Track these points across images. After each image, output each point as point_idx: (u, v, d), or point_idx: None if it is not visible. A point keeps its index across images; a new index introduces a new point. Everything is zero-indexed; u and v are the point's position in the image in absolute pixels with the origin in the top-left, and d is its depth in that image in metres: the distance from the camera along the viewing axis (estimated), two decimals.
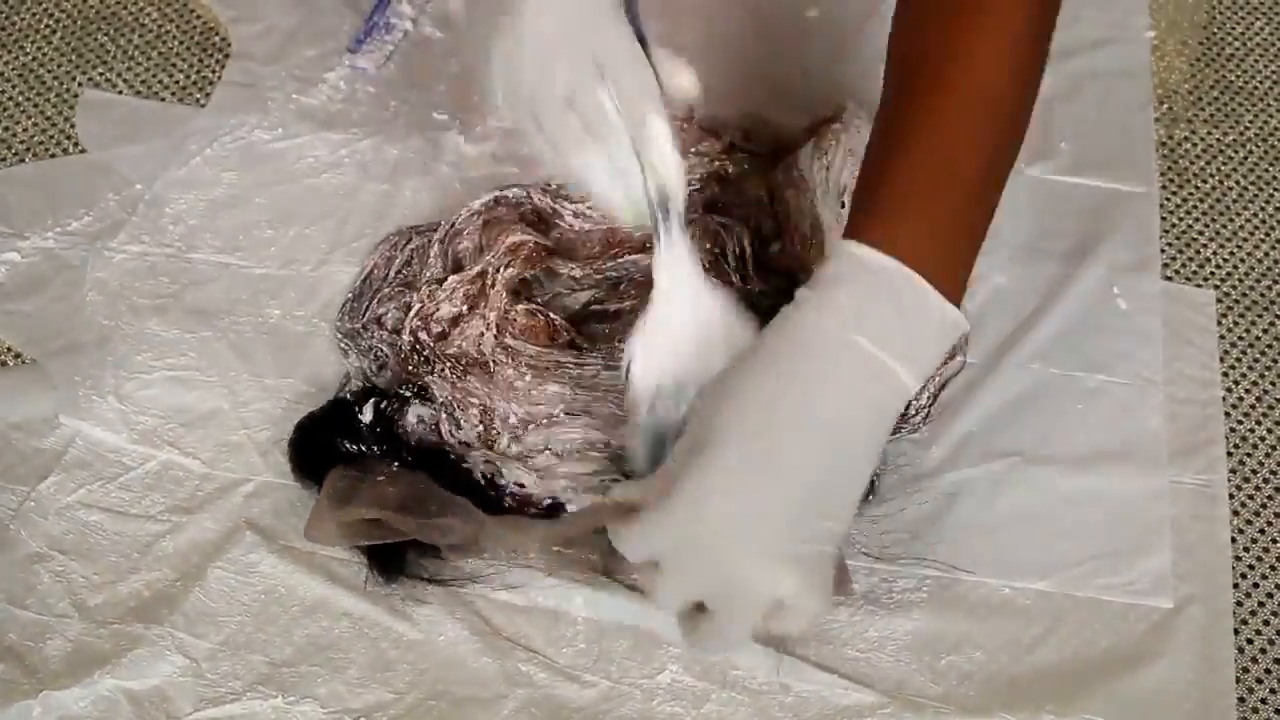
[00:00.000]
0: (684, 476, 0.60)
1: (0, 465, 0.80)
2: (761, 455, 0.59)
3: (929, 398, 0.82)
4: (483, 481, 0.76)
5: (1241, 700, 0.74)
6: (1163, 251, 0.92)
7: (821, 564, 0.61)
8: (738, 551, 0.60)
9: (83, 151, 0.95)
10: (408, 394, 0.79)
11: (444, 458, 0.77)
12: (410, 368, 0.80)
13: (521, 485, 0.76)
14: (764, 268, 0.86)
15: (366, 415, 0.78)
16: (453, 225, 0.86)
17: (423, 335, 0.81)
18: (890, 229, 0.61)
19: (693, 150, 0.93)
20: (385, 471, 0.76)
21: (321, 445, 0.78)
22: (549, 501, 0.76)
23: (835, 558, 0.62)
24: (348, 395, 0.80)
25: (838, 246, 0.62)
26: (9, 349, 0.85)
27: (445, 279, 0.83)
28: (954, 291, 0.61)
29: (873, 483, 0.79)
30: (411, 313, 0.82)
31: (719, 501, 0.60)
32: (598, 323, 0.85)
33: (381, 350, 0.82)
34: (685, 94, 0.69)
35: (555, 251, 0.86)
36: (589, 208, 0.89)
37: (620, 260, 0.86)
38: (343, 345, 0.83)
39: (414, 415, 0.78)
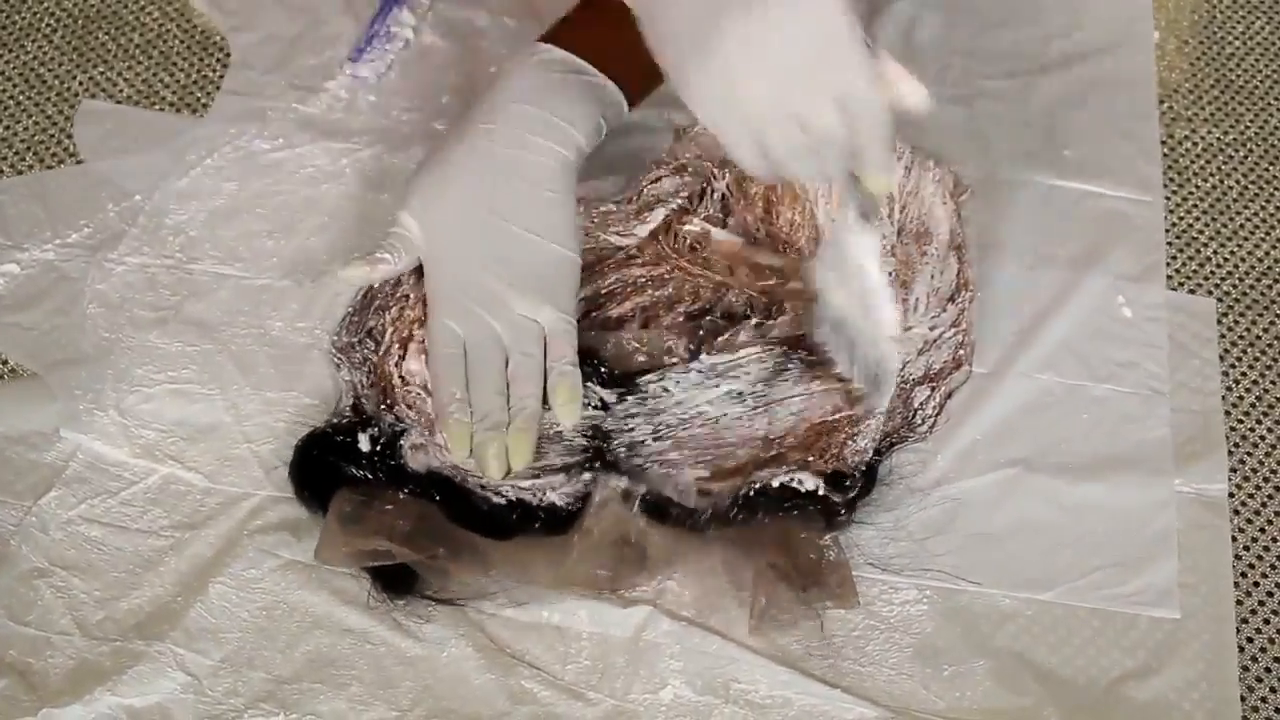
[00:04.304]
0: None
1: (0, 480, 0.79)
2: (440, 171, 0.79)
3: (935, 406, 0.82)
4: (485, 507, 0.76)
5: (1241, 699, 0.75)
6: None
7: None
8: None
9: (79, 161, 0.94)
10: (399, 427, 0.78)
11: (447, 485, 0.77)
12: (383, 404, 0.79)
13: (520, 500, 0.76)
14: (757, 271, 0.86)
15: (364, 445, 0.77)
16: None
17: (390, 367, 0.81)
18: (556, 35, 0.82)
19: (695, 156, 0.93)
20: (392, 500, 0.76)
21: (324, 468, 0.77)
22: (546, 507, 0.76)
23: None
24: (339, 421, 0.79)
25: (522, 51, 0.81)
26: (5, 361, 0.85)
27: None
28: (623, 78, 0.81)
29: (873, 489, 0.79)
30: (385, 340, 0.81)
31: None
32: (601, 329, 0.84)
33: (374, 363, 0.81)
34: (916, 108, 0.69)
35: None
36: None
37: (616, 274, 0.86)
38: (335, 360, 0.82)
39: (409, 444, 0.78)
